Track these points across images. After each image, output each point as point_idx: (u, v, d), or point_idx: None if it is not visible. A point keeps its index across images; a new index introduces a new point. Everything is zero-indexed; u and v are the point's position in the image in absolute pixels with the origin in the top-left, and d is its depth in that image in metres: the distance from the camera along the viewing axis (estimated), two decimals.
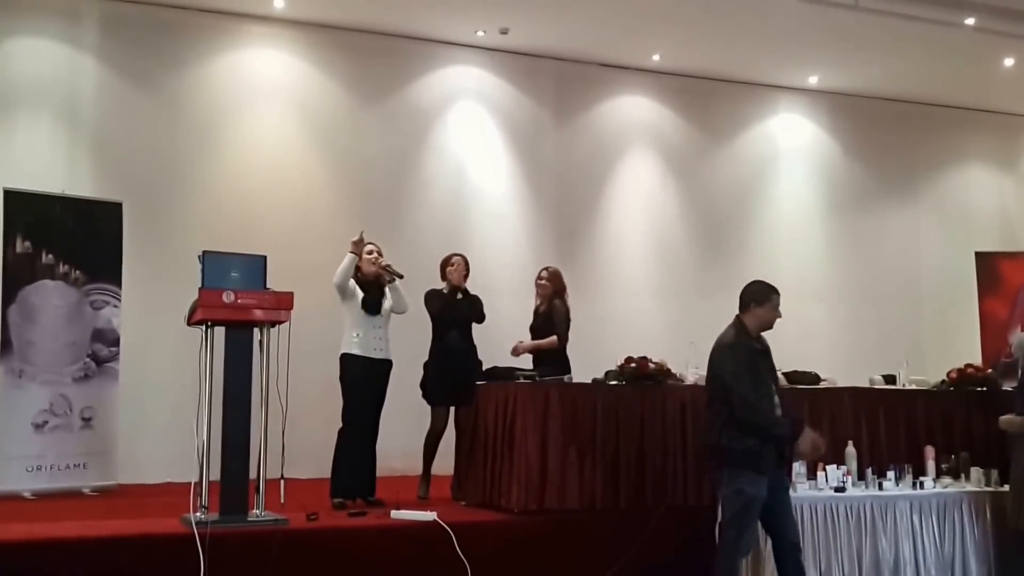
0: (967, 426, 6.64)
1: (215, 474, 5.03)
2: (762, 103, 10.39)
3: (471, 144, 9.23)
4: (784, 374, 5.98)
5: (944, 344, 9.52)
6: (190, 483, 4.92)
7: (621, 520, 5.70)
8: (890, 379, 6.92)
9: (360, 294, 6.11)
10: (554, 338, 6.62)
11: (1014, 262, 10.00)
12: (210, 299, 5.03)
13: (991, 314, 9.79)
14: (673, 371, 6.20)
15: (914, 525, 5.70)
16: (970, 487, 6.00)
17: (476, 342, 6.62)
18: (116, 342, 7.11)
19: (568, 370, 6.37)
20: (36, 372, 6.74)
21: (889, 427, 6.49)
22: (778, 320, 4.88)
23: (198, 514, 4.87)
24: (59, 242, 6.89)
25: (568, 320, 6.72)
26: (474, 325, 6.60)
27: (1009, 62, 9.62)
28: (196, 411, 5.00)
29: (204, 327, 5.09)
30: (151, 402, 7.61)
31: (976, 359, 7.85)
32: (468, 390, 6.29)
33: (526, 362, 6.63)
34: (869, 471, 5.86)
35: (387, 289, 6.23)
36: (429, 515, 5.34)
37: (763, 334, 4.92)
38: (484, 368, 6.44)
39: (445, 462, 6.53)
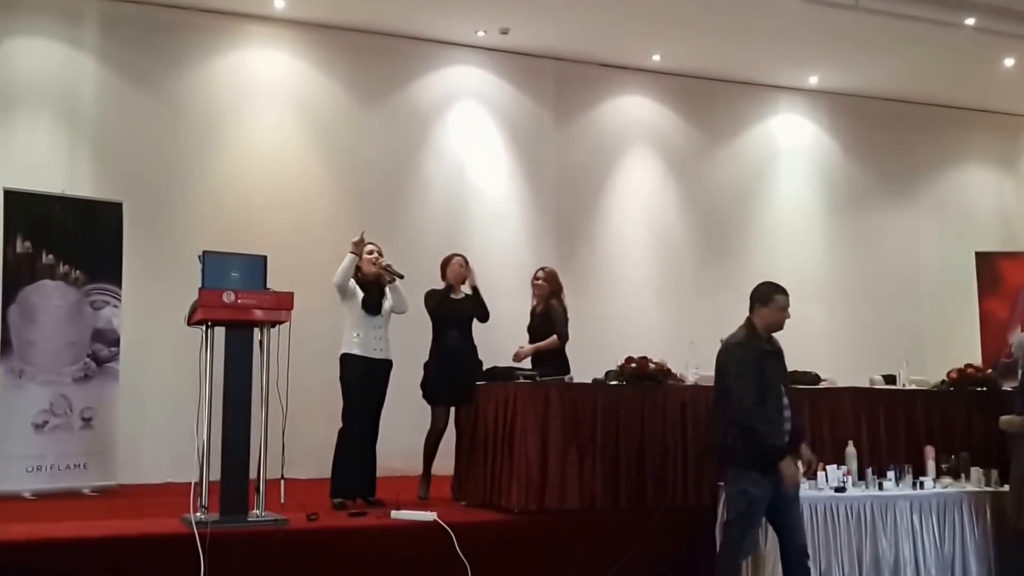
0: (967, 426, 6.64)
1: (215, 474, 5.03)
2: (762, 103, 10.40)
3: (471, 144, 9.23)
4: None
5: (944, 344, 9.52)
6: (190, 483, 4.92)
7: (621, 520, 5.69)
8: (890, 379, 6.92)
9: (360, 294, 6.11)
10: (555, 338, 6.62)
11: (1014, 262, 10.00)
12: (210, 299, 5.03)
13: (991, 314, 9.79)
14: (673, 371, 6.19)
15: (914, 525, 5.70)
16: (970, 487, 6.00)
17: (476, 342, 6.62)
18: (116, 342, 7.11)
19: (568, 370, 6.37)
20: (36, 372, 6.74)
21: (889, 427, 6.49)
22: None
23: (198, 514, 4.87)
24: (59, 242, 6.89)
25: (567, 319, 6.72)
26: (474, 325, 6.60)
27: (1009, 62, 9.62)
28: (196, 411, 5.00)
29: (204, 327, 5.09)
30: (151, 402, 7.62)
31: (976, 359, 7.85)
32: (468, 390, 6.29)
33: (526, 362, 6.63)
34: (869, 471, 5.86)
35: (387, 289, 6.23)
36: (429, 515, 5.34)
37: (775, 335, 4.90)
38: (484, 368, 6.44)
39: (445, 462, 6.53)
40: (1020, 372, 6.06)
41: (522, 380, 5.91)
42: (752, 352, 4.74)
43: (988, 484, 6.01)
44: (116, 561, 4.63)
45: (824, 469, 5.67)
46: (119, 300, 7.14)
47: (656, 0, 8.30)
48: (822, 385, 6.53)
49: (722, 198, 10.11)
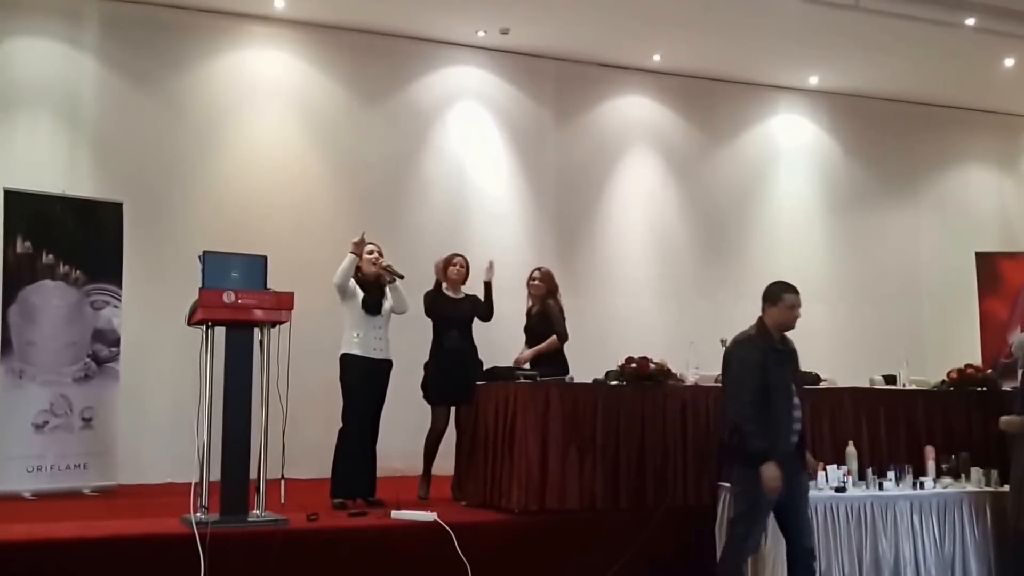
0: (967, 426, 6.64)
1: (215, 474, 5.04)
2: (762, 103, 10.40)
3: (471, 144, 9.23)
4: None
5: (944, 344, 9.52)
6: (190, 483, 4.92)
7: (621, 520, 5.70)
8: (890, 379, 6.92)
9: (360, 294, 6.11)
10: (554, 338, 6.62)
11: (1014, 262, 10.00)
12: (210, 299, 5.03)
13: (991, 314, 9.79)
14: (673, 371, 6.20)
15: (914, 525, 5.70)
16: (970, 487, 6.00)
17: (476, 342, 6.62)
18: (116, 342, 7.11)
19: (567, 370, 6.38)
20: (36, 372, 6.73)
21: (889, 427, 6.49)
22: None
23: (198, 514, 4.87)
24: (59, 242, 6.89)
25: (564, 318, 6.73)
26: (474, 325, 6.60)
27: (1009, 62, 9.62)
28: (196, 411, 5.01)
29: (204, 327, 5.09)
30: (151, 402, 7.62)
31: (976, 359, 7.85)
32: (468, 390, 6.29)
33: None
34: (869, 471, 5.86)
35: (387, 289, 6.23)
36: (430, 515, 5.34)
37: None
38: (484, 368, 6.45)
39: (445, 462, 6.53)
40: (1020, 372, 6.06)
41: (522, 380, 5.91)
42: (757, 351, 4.73)
43: (988, 484, 6.01)
44: (116, 561, 4.64)
45: (824, 469, 5.67)
46: (119, 300, 7.13)
47: (656, 0, 8.30)
48: (822, 385, 6.53)
49: (722, 198, 10.11)
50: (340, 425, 6.06)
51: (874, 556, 5.56)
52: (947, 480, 6.07)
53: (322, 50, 8.74)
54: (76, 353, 6.91)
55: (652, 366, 6.05)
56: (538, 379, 5.95)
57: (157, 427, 7.47)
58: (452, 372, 6.38)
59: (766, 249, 10.15)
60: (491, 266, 6.61)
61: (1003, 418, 5.81)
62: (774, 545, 5.04)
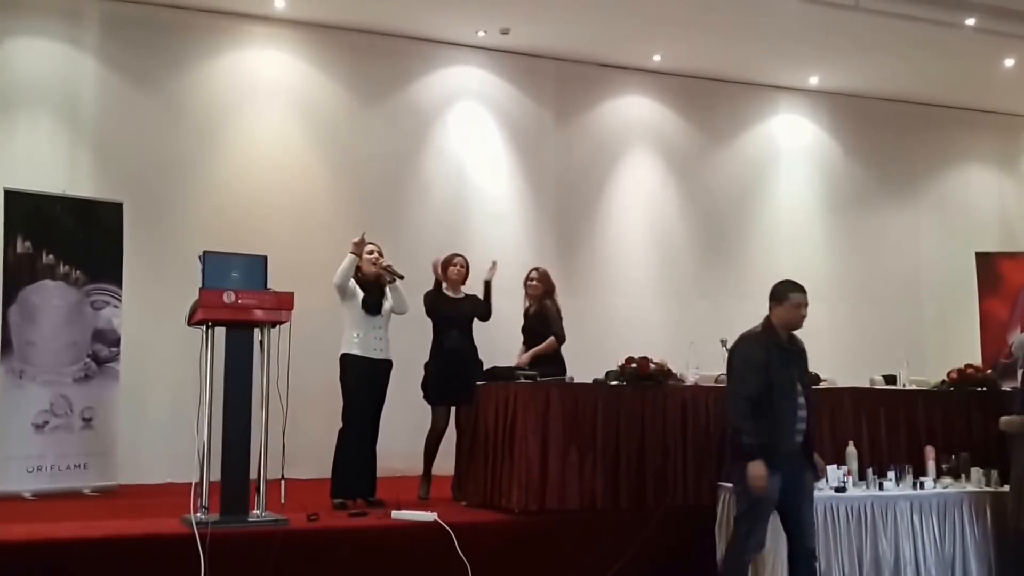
0: (967, 426, 6.64)
1: (215, 474, 5.03)
2: (763, 103, 10.40)
3: (471, 144, 9.23)
4: None
5: (944, 344, 9.53)
6: (190, 483, 4.92)
7: (622, 520, 5.70)
8: (890, 379, 6.92)
9: (360, 294, 6.11)
10: (552, 340, 6.63)
11: (1014, 262, 10.00)
12: (211, 299, 5.03)
13: (991, 314, 9.79)
14: (674, 371, 6.20)
15: (914, 525, 5.69)
16: (970, 487, 5.99)
17: (476, 342, 6.62)
18: (116, 342, 7.11)
19: (565, 371, 6.38)
20: (36, 372, 6.73)
21: (889, 427, 6.49)
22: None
23: (198, 514, 4.87)
24: (59, 242, 6.88)
25: (561, 319, 6.73)
26: (475, 325, 6.60)
27: (1009, 62, 9.62)
28: (196, 411, 5.01)
29: (205, 327, 5.09)
30: (152, 402, 7.62)
31: (976, 359, 7.86)
32: (469, 390, 6.29)
33: None
34: (870, 471, 5.85)
35: (387, 289, 6.23)
36: (430, 515, 5.34)
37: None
38: (485, 368, 6.45)
39: (446, 462, 6.54)
40: (1020, 372, 6.06)
41: (522, 380, 5.91)
42: (761, 349, 4.73)
43: (988, 484, 6.01)
44: (116, 561, 4.64)
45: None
46: (119, 300, 7.13)
47: (656, 0, 8.30)
48: (822, 385, 6.52)
49: (722, 198, 10.11)
50: (340, 425, 6.06)
51: (874, 556, 5.55)
52: (947, 480, 6.07)
53: (322, 50, 8.74)
54: (76, 353, 6.91)
55: (652, 366, 6.04)
56: (538, 379, 5.95)
57: (157, 427, 7.47)
58: (452, 372, 6.38)
59: (766, 249, 10.15)
60: (494, 266, 6.62)
61: (1003, 418, 5.81)
62: (774, 545, 5.03)
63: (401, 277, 6.20)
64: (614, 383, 6.04)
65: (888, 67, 9.76)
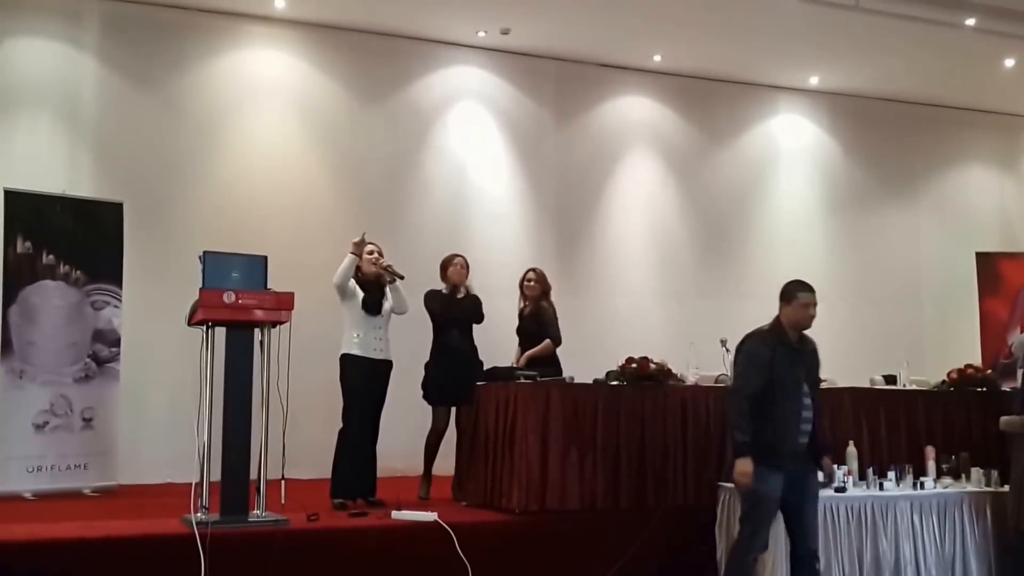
0: (967, 426, 6.65)
1: (216, 474, 5.03)
2: (763, 103, 10.40)
3: (472, 144, 9.23)
4: None
5: (944, 344, 9.53)
6: (191, 483, 4.93)
7: (622, 520, 5.70)
8: (890, 379, 6.93)
9: (360, 294, 6.11)
10: (548, 342, 6.63)
11: (1014, 262, 10.00)
12: (211, 299, 5.03)
13: (991, 314, 9.79)
14: (674, 371, 6.20)
15: (914, 525, 5.69)
16: (970, 487, 5.99)
17: (477, 342, 6.62)
18: (117, 342, 7.11)
19: (560, 372, 6.38)
20: (37, 372, 6.73)
21: (889, 427, 6.50)
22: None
23: (199, 514, 4.87)
24: (60, 242, 6.88)
25: (557, 320, 6.73)
26: (475, 325, 6.61)
27: (1009, 62, 9.62)
28: (197, 411, 5.01)
29: (205, 327, 5.09)
30: (152, 402, 7.62)
31: (976, 359, 7.86)
32: (469, 390, 6.29)
33: None
34: (870, 471, 5.85)
35: (387, 289, 6.23)
36: (430, 515, 5.34)
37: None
38: (485, 368, 6.45)
39: (446, 462, 6.53)
40: (1020, 372, 6.06)
41: (523, 380, 5.91)
42: (766, 347, 4.73)
43: (988, 484, 6.01)
44: (117, 561, 4.64)
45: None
46: (119, 300, 7.13)
47: (656, 0, 8.30)
48: (822, 385, 6.49)
49: (722, 198, 10.11)
50: (340, 425, 6.06)
51: (874, 556, 5.56)
52: (947, 480, 6.07)
53: (322, 50, 8.73)
54: (76, 353, 6.90)
55: (652, 366, 6.05)
56: (538, 379, 5.95)
57: (157, 427, 7.47)
58: (453, 372, 6.38)
59: (766, 249, 10.15)
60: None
61: (1003, 418, 5.81)
62: (774, 546, 5.03)
63: (401, 277, 6.20)
64: (614, 383, 6.04)
65: (888, 67, 9.76)
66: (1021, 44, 9.21)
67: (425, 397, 6.49)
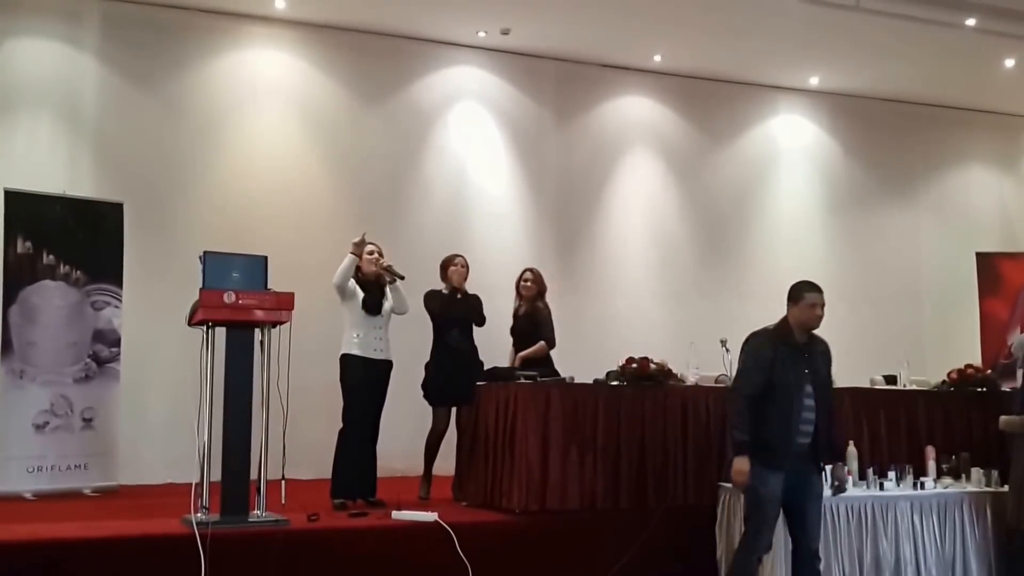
0: (967, 426, 6.65)
1: (216, 475, 5.04)
2: (763, 104, 10.40)
3: (472, 144, 9.23)
4: None
5: (944, 344, 9.54)
6: (191, 484, 4.93)
7: (622, 520, 5.70)
8: (891, 379, 6.93)
9: (360, 294, 6.11)
10: (543, 344, 6.63)
11: (1015, 263, 10.00)
12: (211, 299, 5.03)
13: (991, 315, 9.79)
14: (674, 371, 6.20)
15: (915, 525, 5.69)
16: (971, 487, 5.99)
17: (477, 342, 6.62)
18: (117, 342, 7.11)
19: (553, 372, 6.38)
20: (37, 373, 6.73)
21: (890, 427, 6.50)
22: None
23: (199, 515, 4.88)
24: (60, 242, 6.88)
25: (552, 322, 6.73)
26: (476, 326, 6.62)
27: (1009, 63, 9.62)
28: (197, 411, 5.00)
29: (205, 327, 5.10)
30: (152, 403, 7.62)
31: (976, 360, 7.85)
32: (469, 390, 6.29)
33: None
34: (870, 471, 5.85)
35: (388, 290, 6.23)
36: (430, 516, 5.35)
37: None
38: (485, 368, 6.45)
39: (446, 463, 6.54)
40: (1020, 372, 6.06)
41: (523, 381, 5.91)
42: (768, 346, 4.72)
43: (988, 484, 6.01)
44: (117, 562, 4.64)
45: (824, 469, 5.66)
46: (120, 300, 7.13)
47: (657, 1, 8.30)
48: None
49: (723, 199, 10.11)
50: (340, 425, 6.06)
51: (874, 556, 5.56)
52: (947, 480, 6.07)
53: (322, 50, 8.73)
54: (77, 353, 6.90)
55: (653, 366, 6.05)
56: (538, 380, 5.95)
57: (158, 427, 7.47)
58: (453, 372, 6.38)
59: (766, 249, 10.15)
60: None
61: (1003, 418, 5.82)
62: (774, 544, 5.03)
63: (402, 278, 6.20)
64: (614, 383, 6.04)
65: (888, 67, 9.75)
66: (1021, 44, 9.21)
67: (425, 397, 6.49)
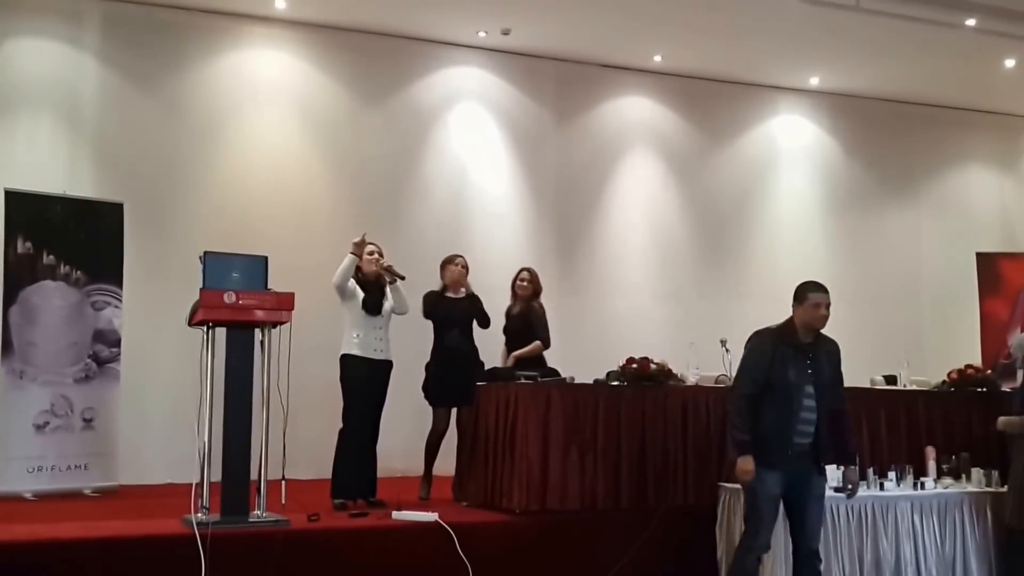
0: (968, 427, 6.65)
1: (216, 475, 5.03)
2: (763, 104, 10.40)
3: (472, 145, 9.23)
4: None
5: (945, 345, 9.53)
6: (191, 484, 4.93)
7: (622, 520, 5.70)
8: (891, 379, 6.92)
9: (360, 294, 6.11)
10: (538, 344, 6.63)
11: (1015, 263, 10.00)
12: (211, 300, 5.03)
13: (992, 315, 9.79)
14: (674, 372, 6.20)
15: (915, 525, 5.70)
16: (971, 488, 6.00)
17: (477, 343, 6.62)
18: (117, 343, 7.11)
19: (548, 371, 6.37)
20: (37, 373, 6.73)
21: (890, 427, 6.50)
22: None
23: (199, 515, 4.88)
24: (60, 243, 6.88)
25: (547, 322, 6.73)
26: (475, 325, 6.61)
27: (1010, 63, 9.62)
28: (197, 412, 5.01)
29: (205, 328, 5.10)
30: (152, 403, 7.61)
31: (976, 360, 7.85)
32: (469, 391, 6.29)
33: None
34: (870, 471, 5.85)
35: (388, 290, 6.23)
36: (430, 516, 5.35)
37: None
38: (485, 368, 6.45)
39: (446, 463, 6.54)
40: (1020, 373, 6.05)
41: (523, 381, 5.91)
42: (769, 345, 4.72)
43: (989, 485, 6.01)
44: (117, 562, 4.64)
45: (825, 470, 5.66)
46: (120, 301, 7.13)
47: (657, 1, 8.30)
48: None
49: (723, 199, 10.11)
50: (340, 426, 6.06)
51: (875, 556, 5.56)
52: (948, 480, 6.07)
53: (323, 50, 8.73)
54: (77, 353, 6.90)
55: (653, 366, 6.05)
56: (539, 380, 5.95)
57: (158, 427, 7.47)
58: (453, 373, 6.38)
59: (766, 250, 10.16)
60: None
61: (1001, 418, 5.82)
62: (775, 544, 5.03)
63: (402, 278, 6.20)
64: (615, 383, 6.04)
65: (888, 67, 9.76)
66: (1021, 44, 9.20)
67: (426, 398, 6.49)
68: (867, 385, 6.83)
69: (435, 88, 9.14)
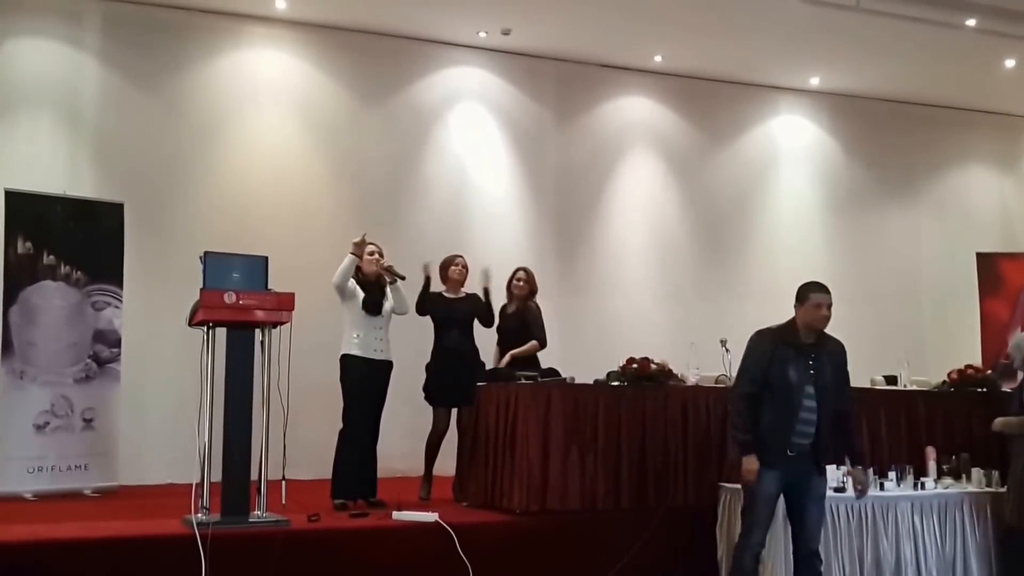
0: (968, 427, 6.65)
1: (216, 475, 5.03)
2: (763, 104, 10.40)
3: (472, 145, 9.23)
4: None
5: (945, 345, 9.54)
6: (191, 484, 4.93)
7: (623, 521, 5.70)
8: (891, 379, 6.92)
9: (360, 294, 6.11)
10: (534, 343, 6.62)
11: (1015, 263, 10.00)
12: (212, 300, 5.03)
13: (992, 315, 9.79)
14: (674, 372, 6.20)
15: (915, 525, 5.69)
16: (971, 488, 6.00)
17: (477, 343, 6.62)
18: (117, 343, 7.11)
19: (544, 370, 6.37)
20: (37, 373, 6.73)
21: (890, 428, 6.49)
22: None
23: (199, 515, 4.88)
24: (60, 243, 6.88)
25: (543, 321, 6.73)
26: (475, 326, 6.61)
27: (1010, 63, 9.62)
28: (197, 412, 5.01)
29: (206, 328, 5.10)
30: (152, 403, 7.62)
31: (977, 360, 7.85)
32: (470, 391, 6.29)
33: None
34: (870, 471, 5.83)
35: (388, 290, 6.23)
36: (431, 516, 5.35)
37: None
38: (486, 369, 6.45)
39: (447, 463, 6.54)
40: (1020, 373, 6.05)
41: (523, 381, 5.91)
42: (769, 344, 4.72)
43: (989, 485, 6.01)
44: (117, 562, 4.64)
45: (826, 470, 5.66)
46: (120, 301, 7.13)
47: (657, 1, 8.30)
48: None
49: (723, 199, 10.11)
50: (341, 426, 6.06)
51: (875, 556, 5.56)
52: (948, 481, 6.07)
53: (323, 50, 8.74)
54: (77, 354, 6.90)
55: (653, 367, 6.05)
56: (539, 380, 5.95)
57: (158, 428, 7.48)
58: (453, 373, 6.38)
59: (766, 250, 10.16)
60: (488, 275, 6.59)
61: (997, 419, 5.82)
62: (775, 545, 5.04)
63: (402, 278, 6.20)
64: (615, 383, 6.04)
65: (888, 67, 9.76)
66: (1021, 44, 9.21)
67: (426, 398, 6.49)
68: (867, 385, 6.82)
69: (435, 88, 9.14)
